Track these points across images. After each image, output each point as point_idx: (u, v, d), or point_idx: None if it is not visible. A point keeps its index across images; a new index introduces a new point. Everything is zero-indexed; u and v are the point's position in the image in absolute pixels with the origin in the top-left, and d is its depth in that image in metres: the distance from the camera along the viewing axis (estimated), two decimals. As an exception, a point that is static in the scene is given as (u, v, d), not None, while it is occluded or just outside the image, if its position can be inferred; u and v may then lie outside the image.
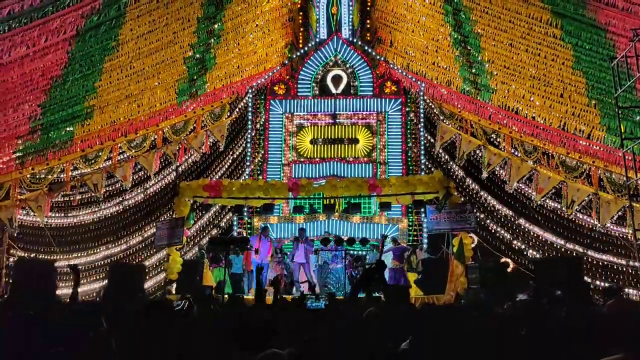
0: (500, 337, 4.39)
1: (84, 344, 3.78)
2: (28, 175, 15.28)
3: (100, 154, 15.96)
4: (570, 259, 12.69)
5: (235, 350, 3.10)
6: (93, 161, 15.93)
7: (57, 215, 16.41)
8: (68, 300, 6.86)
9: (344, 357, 2.90)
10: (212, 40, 16.36)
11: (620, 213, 14.20)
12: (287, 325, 3.59)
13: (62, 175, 15.72)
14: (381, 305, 5.53)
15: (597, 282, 14.62)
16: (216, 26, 16.25)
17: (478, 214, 15.64)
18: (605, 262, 14.90)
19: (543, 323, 5.06)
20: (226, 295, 10.27)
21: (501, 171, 16.16)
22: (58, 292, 12.99)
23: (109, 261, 16.19)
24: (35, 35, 15.31)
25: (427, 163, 16.68)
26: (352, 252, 13.31)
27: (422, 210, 14.37)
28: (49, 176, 15.48)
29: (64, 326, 4.24)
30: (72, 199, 16.22)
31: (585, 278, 13.51)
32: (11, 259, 15.20)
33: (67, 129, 15.50)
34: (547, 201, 15.71)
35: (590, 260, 14.93)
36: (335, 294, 11.28)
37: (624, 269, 14.63)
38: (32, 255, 15.74)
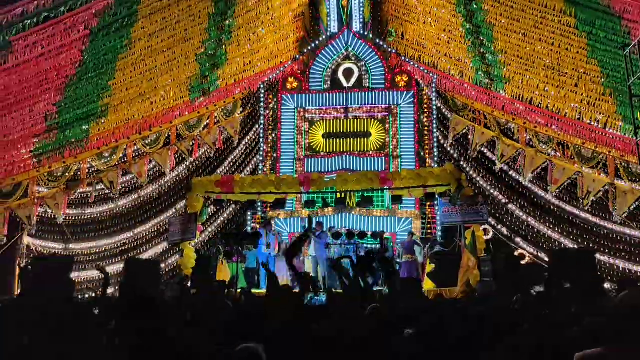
0: (504, 329, 4.38)
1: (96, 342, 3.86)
2: (45, 174, 15.54)
3: (116, 151, 16.17)
4: (584, 252, 12.53)
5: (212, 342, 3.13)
6: (109, 159, 16.16)
7: (74, 212, 16.64)
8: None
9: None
10: (224, 36, 16.44)
11: (637, 204, 13.96)
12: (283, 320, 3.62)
13: (78, 174, 15.96)
14: (383, 300, 5.54)
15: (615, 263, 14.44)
16: (227, 22, 16.31)
17: (492, 205, 15.52)
18: (616, 266, 14.63)
19: (553, 315, 5.03)
20: (239, 290, 10.35)
21: (514, 167, 15.96)
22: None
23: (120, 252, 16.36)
24: (49, 34, 15.55)
25: (440, 155, 16.58)
26: (364, 245, 13.30)
27: (435, 202, 14.36)
28: (66, 174, 15.73)
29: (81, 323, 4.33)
30: (89, 195, 16.45)
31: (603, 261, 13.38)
32: (30, 257, 15.47)
33: (83, 127, 15.73)
34: (560, 203, 15.46)
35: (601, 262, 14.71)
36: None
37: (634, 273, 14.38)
38: (49, 250, 16.01)
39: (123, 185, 16.69)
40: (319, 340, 2.96)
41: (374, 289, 6.76)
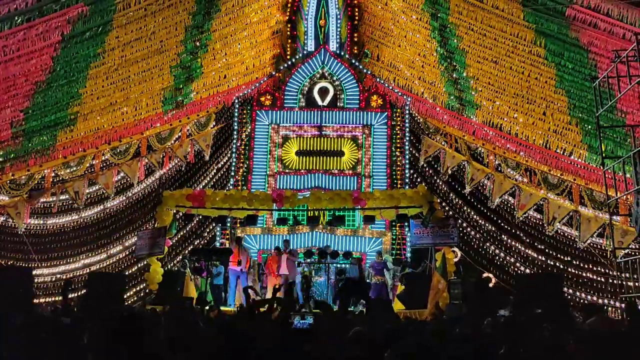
0: (481, 354, 4.41)
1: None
2: (7, 181, 15.01)
3: (83, 161, 15.77)
4: (550, 275, 12.80)
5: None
6: (75, 168, 15.74)
7: (36, 222, 16.11)
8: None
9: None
10: (200, 49, 16.35)
11: (600, 230, 14.38)
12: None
13: (42, 182, 15.49)
14: (365, 322, 5.52)
15: (578, 295, 14.81)
16: (203, 35, 16.23)
17: (461, 228, 15.75)
18: (586, 279, 15.07)
19: (522, 340, 5.10)
20: (207, 307, 10.14)
21: (484, 187, 16.31)
22: (35, 301, 12.81)
23: (88, 270, 15.94)
24: (19, 39, 15.14)
25: (411, 177, 16.77)
26: (336, 265, 13.27)
27: (406, 224, 14.46)
28: (29, 182, 15.24)
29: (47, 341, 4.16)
30: (52, 205, 15.97)
31: (566, 292, 13.71)
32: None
33: (50, 135, 15.31)
34: (530, 216, 15.87)
35: (570, 275, 15.11)
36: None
37: (603, 286, 14.80)
38: (9, 263, 15.43)
39: (89, 195, 16.28)
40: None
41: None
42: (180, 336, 4.29)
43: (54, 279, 16.04)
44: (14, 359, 3.63)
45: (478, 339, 5.19)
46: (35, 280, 13.99)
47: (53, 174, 15.63)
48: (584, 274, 15.18)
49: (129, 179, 16.36)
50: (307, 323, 9.78)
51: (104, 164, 16.24)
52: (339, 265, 13.22)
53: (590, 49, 14.18)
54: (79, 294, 14.66)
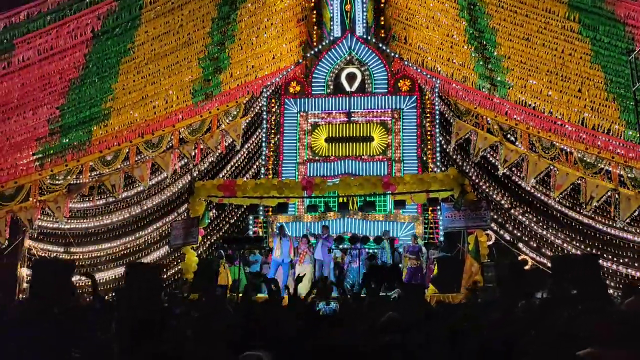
0: (513, 336, 4.34)
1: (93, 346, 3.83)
2: (47, 177, 15.51)
3: (118, 154, 16.15)
4: (588, 257, 12.46)
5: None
6: (111, 162, 16.14)
7: (77, 221, 16.68)
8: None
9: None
10: (227, 40, 16.45)
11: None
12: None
13: (80, 177, 15.94)
14: (398, 308, 5.48)
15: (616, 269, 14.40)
16: (229, 26, 16.32)
17: (494, 210, 15.50)
18: (619, 272, 14.58)
19: (556, 322, 4.99)
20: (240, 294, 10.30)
21: (516, 173, 15.93)
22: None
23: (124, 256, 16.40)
24: (52, 37, 15.56)
25: (442, 160, 16.54)
26: (367, 250, 13.24)
27: (438, 208, 14.30)
28: (68, 177, 15.71)
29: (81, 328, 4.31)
30: (91, 204, 16.44)
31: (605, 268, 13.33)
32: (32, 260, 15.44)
33: (85, 130, 15.72)
34: (563, 208, 15.41)
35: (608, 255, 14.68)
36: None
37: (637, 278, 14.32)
38: (52, 255, 15.99)
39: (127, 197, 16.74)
40: (332, 349, 2.92)
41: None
42: (208, 325, 4.36)
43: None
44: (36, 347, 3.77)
45: (509, 323, 5.10)
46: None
47: (90, 169, 16.06)
48: (623, 253, 14.68)
49: (163, 172, 16.67)
50: (332, 308, 9.82)
51: (139, 158, 16.57)
52: (370, 251, 13.18)
53: (627, 21, 13.64)
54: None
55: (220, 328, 3.62)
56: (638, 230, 14.46)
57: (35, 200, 15.25)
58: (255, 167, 17.45)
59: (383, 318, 4.18)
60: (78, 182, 16.02)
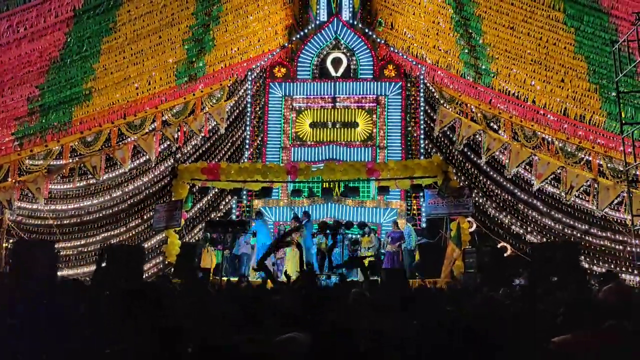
0: (495, 321, 4.41)
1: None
2: (26, 157, 15.24)
3: (99, 136, 15.92)
4: (567, 244, 12.68)
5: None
6: (92, 143, 15.90)
7: (57, 203, 16.46)
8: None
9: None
10: (211, 21, 16.21)
11: (619, 199, 14.18)
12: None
13: (60, 158, 15.70)
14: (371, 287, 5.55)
15: (595, 268, 14.69)
16: (215, 7, 16.08)
17: (477, 198, 15.67)
18: (603, 247, 14.93)
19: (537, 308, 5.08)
20: (224, 278, 10.31)
21: (500, 156, 16.12)
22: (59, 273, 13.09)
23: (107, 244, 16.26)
24: (33, 16, 15.16)
25: (426, 147, 16.62)
26: (350, 235, 13.30)
27: (421, 194, 14.40)
28: (48, 158, 15.46)
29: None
30: (71, 186, 16.21)
31: (583, 263, 13.60)
32: (11, 241, 15.22)
33: (66, 110, 15.44)
34: (547, 187, 15.68)
35: (588, 245, 14.97)
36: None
37: (621, 254, 14.66)
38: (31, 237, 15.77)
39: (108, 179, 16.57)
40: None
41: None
42: (195, 307, 4.36)
43: (75, 252, 16.39)
44: (33, 323, 3.74)
45: (491, 308, 5.18)
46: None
47: (70, 150, 15.81)
48: (602, 242, 15.01)
49: (145, 155, 16.48)
50: (333, 282, 9.93)
51: (120, 139, 16.35)
52: (353, 236, 13.24)
53: (611, 12, 13.73)
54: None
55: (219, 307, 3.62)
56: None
57: (14, 180, 14.99)
58: (238, 151, 17.34)
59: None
60: (58, 162, 15.78)
